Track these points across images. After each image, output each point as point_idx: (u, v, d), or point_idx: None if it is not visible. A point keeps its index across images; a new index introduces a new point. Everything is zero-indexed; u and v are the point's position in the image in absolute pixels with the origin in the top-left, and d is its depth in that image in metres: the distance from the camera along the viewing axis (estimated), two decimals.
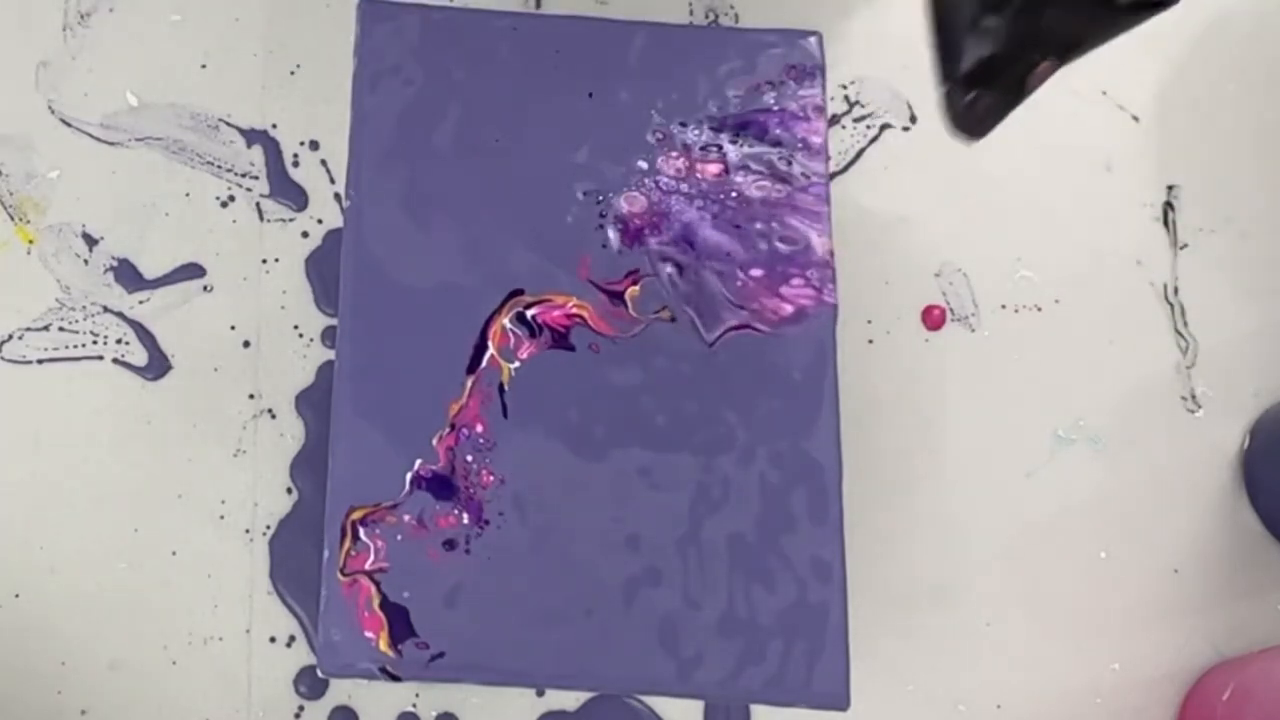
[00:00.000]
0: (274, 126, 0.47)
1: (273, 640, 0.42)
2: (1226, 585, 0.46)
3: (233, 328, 0.44)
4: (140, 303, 0.44)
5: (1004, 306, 0.48)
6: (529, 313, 0.37)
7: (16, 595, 0.42)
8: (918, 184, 0.49)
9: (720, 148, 0.39)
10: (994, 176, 0.49)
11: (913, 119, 0.50)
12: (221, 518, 0.43)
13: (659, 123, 0.40)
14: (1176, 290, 0.49)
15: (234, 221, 0.46)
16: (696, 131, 0.40)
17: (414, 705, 0.42)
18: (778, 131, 0.39)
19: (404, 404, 0.36)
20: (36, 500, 0.42)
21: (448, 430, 0.36)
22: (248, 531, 0.43)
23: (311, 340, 0.45)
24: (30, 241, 0.45)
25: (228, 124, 0.47)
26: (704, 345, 0.37)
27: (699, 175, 0.39)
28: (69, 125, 0.46)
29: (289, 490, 0.43)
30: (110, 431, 0.43)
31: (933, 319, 0.47)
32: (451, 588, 0.35)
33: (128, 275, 0.45)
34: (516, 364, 0.37)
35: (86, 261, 0.45)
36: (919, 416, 0.46)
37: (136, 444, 0.43)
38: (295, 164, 0.46)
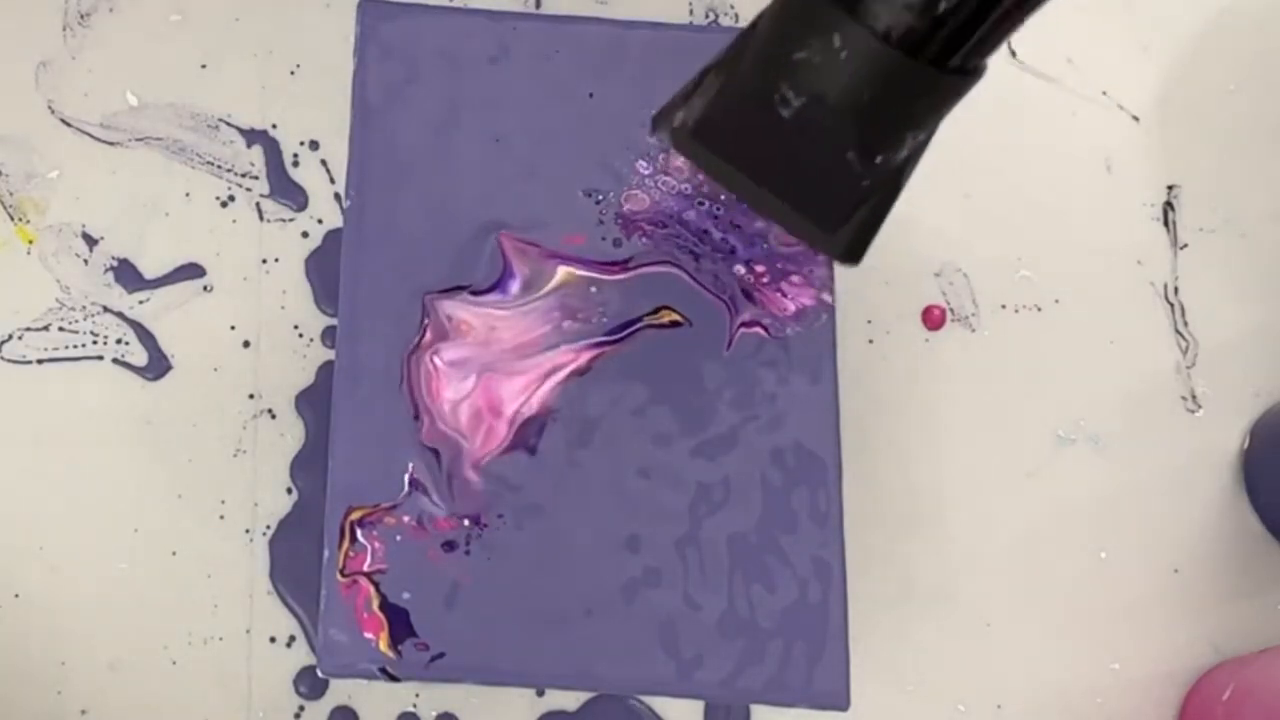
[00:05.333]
0: (274, 126, 0.47)
1: (273, 640, 0.42)
2: (1226, 585, 0.46)
3: (233, 328, 0.44)
4: (140, 303, 0.44)
5: (1004, 306, 0.48)
6: None
7: (16, 595, 0.42)
8: (918, 184, 0.49)
9: None
10: (994, 176, 0.49)
11: None
12: (221, 518, 0.43)
13: None
14: (1176, 290, 0.49)
15: (234, 221, 0.46)
16: None
17: (414, 705, 0.42)
18: None
19: (403, 405, 0.36)
20: (36, 500, 0.42)
21: None
22: (248, 531, 0.43)
23: (311, 340, 0.45)
24: (30, 241, 0.45)
25: (228, 124, 0.47)
26: (704, 344, 0.37)
27: (700, 175, 0.39)
28: (69, 125, 0.46)
29: (289, 490, 0.43)
30: (110, 431, 0.43)
31: (933, 319, 0.47)
32: (451, 588, 0.35)
33: (128, 275, 0.45)
34: None
35: (86, 261, 0.45)
36: (919, 416, 0.46)
37: (136, 444, 0.43)
38: (295, 164, 0.46)
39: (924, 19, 0.25)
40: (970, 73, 0.27)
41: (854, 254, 0.30)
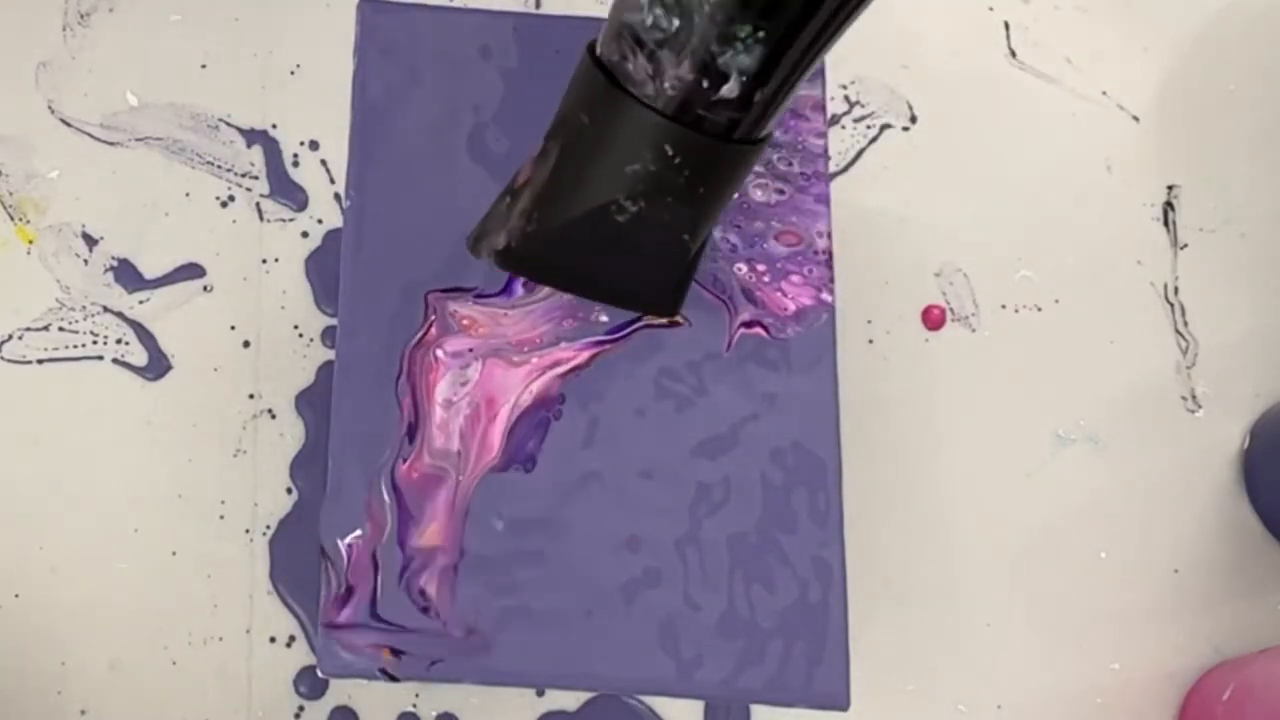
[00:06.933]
0: (274, 126, 0.47)
1: (273, 640, 0.42)
2: (1226, 585, 0.46)
3: (233, 328, 0.44)
4: (140, 303, 0.44)
5: (1004, 306, 0.48)
6: None
7: (16, 595, 0.42)
8: (918, 184, 0.49)
9: None
10: (994, 176, 0.49)
11: (913, 119, 0.50)
12: (221, 518, 0.43)
13: None
14: (1176, 290, 0.49)
15: (234, 221, 0.46)
16: None
17: (414, 705, 0.42)
18: (777, 132, 0.39)
19: (399, 415, 0.36)
20: (36, 500, 0.42)
21: None
22: (248, 531, 0.43)
23: (311, 340, 0.45)
24: (30, 241, 0.45)
25: (228, 124, 0.47)
26: (704, 344, 0.37)
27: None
28: (69, 125, 0.46)
29: (289, 490, 0.43)
30: (110, 431, 0.43)
31: (933, 319, 0.47)
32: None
33: (128, 275, 0.45)
34: None
35: (86, 261, 0.45)
36: (919, 416, 0.46)
37: (136, 444, 0.43)
38: (295, 164, 0.46)
39: (743, 110, 0.27)
40: (770, 134, 0.30)
41: (677, 308, 0.32)
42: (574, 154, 0.30)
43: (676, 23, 0.26)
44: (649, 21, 0.26)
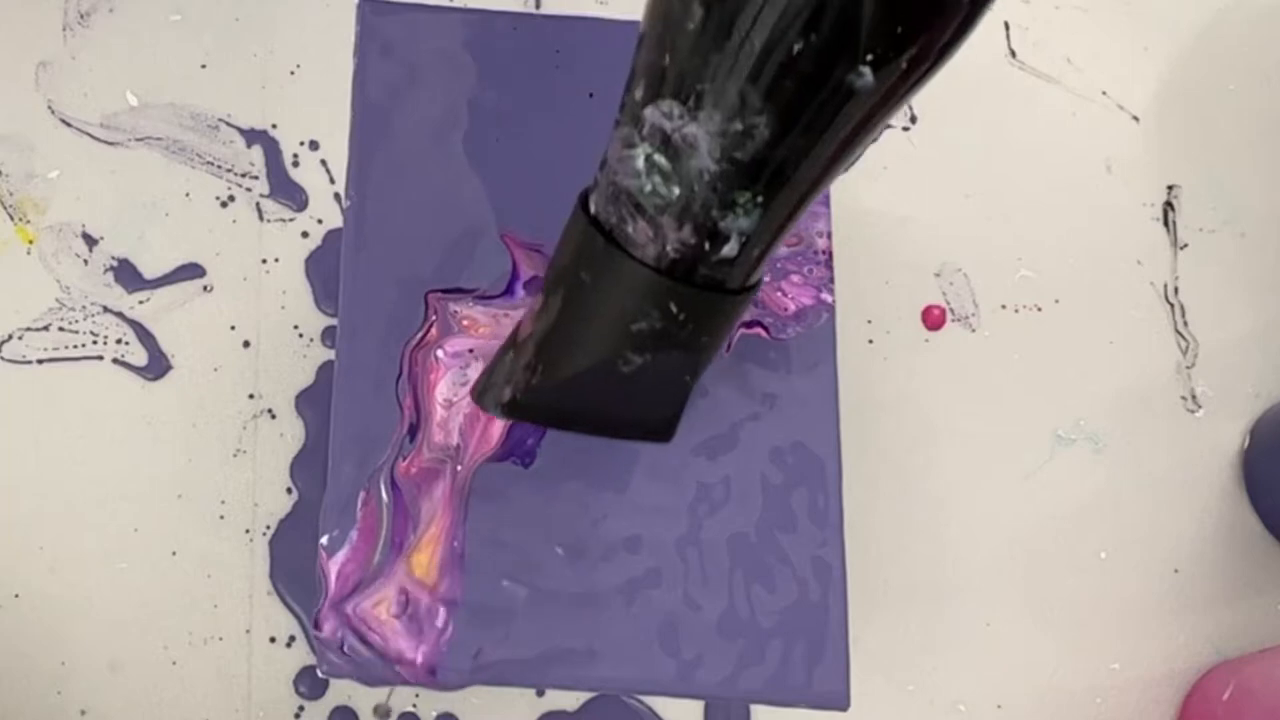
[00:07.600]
0: (274, 126, 0.47)
1: (273, 640, 0.42)
2: (1226, 585, 0.46)
3: (233, 328, 0.44)
4: (140, 303, 0.44)
5: (1004, 306, 0.48)
6: None
7: (16, 595, 0.42)
8: (918, 184, 0.49)
9: None
10: (994, 176, 0.49)
11: (913, 119, 0.50)
12: (221, 518, 0.43)
13: None
14: (1176, 290, 0.49)
15: (234, 221, 0.46)
16: None
17: (414, 705, 0.42)
18: None
19: (399, 416, 0.36)
20: (36, 500, 0.42)
21: None
22: (248, 531, 0.43)
23: (311, 340, 0.45)
24: (30, 241, 0.45)
25: (228, 124, 0.47)
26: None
27: None
28: (69, 125, 0.46)
29: (289, 490, 0.43)
30: (110, 431, 0.43)
31: (933, 319, 0.47)
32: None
33: (128, 275, 0.45)
34: None
35: (86, 261, 0.45)
36: (919, 416, 0.46)
37: (136, 444, 0.43)
38: (295, 164, 0.46)
39: (740, 264, 0.28)
40: (761, 280, 0.30)
41: (672, 434, 0.33)
42: (576, 310, 0.30)
43: (676, 191, 0.26)
44: (647, 189, 0.27)
